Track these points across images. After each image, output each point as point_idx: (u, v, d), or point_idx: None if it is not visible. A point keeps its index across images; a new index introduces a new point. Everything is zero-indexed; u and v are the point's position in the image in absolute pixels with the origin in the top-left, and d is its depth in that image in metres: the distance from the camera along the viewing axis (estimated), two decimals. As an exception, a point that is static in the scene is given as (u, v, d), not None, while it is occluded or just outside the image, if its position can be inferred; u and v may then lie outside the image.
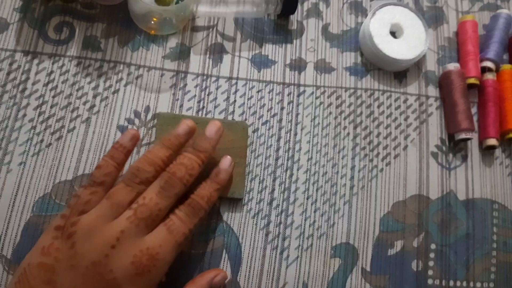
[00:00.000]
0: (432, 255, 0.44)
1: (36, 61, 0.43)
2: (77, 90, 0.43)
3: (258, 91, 0.46)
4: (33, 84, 0.43)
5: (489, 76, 0.50)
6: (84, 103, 0.43)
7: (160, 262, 0.34)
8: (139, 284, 0.33)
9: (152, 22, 0.46)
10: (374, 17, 0.49)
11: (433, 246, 0.45)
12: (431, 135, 0.48)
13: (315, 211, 0.44)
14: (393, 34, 0.49)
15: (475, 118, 0.49)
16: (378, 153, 0.46)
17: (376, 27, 0.48)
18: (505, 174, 0.48)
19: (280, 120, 0.46)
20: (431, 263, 0.44)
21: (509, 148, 0.49)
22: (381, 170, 0.46)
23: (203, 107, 0.45)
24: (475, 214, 0.46)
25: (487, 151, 0.49)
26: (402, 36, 0.48)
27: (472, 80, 0.49)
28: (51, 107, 0.42)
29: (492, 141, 0.47)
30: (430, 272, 0.44)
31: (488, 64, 0.50)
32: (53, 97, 0.43)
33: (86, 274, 0.32)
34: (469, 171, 0.48)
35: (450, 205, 0.46)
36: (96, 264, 0.32)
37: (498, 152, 0.49)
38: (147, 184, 0.36)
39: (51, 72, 0.43)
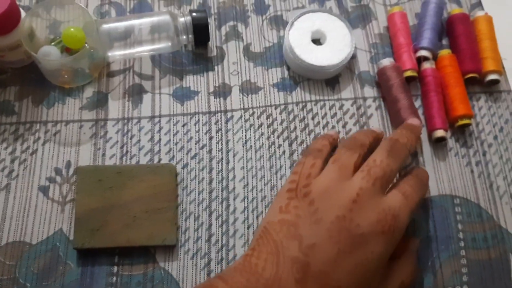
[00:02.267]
0: (392, 266, 0.41)
1: (-49, 136, 0.43)
2: (-6, 158, 0.42)
3: (183, 125, 0.45)
4: (-50, 159, 0.42)
5: (427, 65, 0.47)
6: (2, 170, 0.42)
7: (400, 224, 0.34)
8: (384, 243, 0.33)
9: (65, 76, 0.45)
10: (293, 28, 0.47)
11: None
12: (374, 138, 0.45)
13: (257, 240, 0.41)
14: (318, 41, 0.47)
15: (420, 112, 0.46)
16: (318, 167, 0.44)
17: (296, 37, 0.46)
18: (463, 165, 0.45)
19: (210, 151, 0.44)
20: (393, 275, 0.40)
21: (463, 136, 0.46)
22: (324, 184, 0.43)
23: (127, 151, 0.43)
24: (435, 214, 0.43)
25: (438, 144, 0.45)
26: (326, 42, 0.46)
27: (409, 73, 0.46)
28: (-31, 179, 0.41)
29: (440, 133, 0.44)
30: (393, 285, 0.40)
31: (423, 53, 0.47)
32: (-30, 169, 0.42)
33: (331, 228, 0.32)
34: (422, 167, 0.44)
35: (405, 209, 0.43)
36: (341, 218, 0.33)
37: (451, 142, 0.46)
38: (366, 147, 0.38)
39: (-34, 144, 0.42)
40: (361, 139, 0.38)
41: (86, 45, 0.43)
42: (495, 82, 0.48)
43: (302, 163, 0.37)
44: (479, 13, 0.50)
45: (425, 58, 0.47)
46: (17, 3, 0.47)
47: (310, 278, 0.31)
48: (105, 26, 0.44)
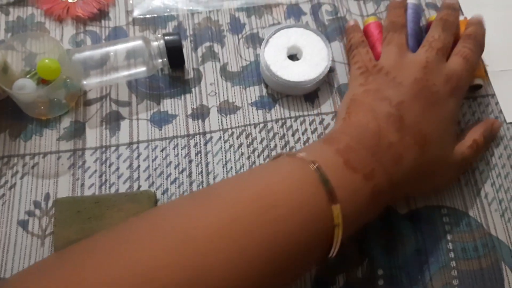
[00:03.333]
0: (381, 282, 0.40)
1: None
2: (-28, 195, 0.42)
3: (162, 150, 0.44)
4: None
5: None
6: (-19, 206, 0.41)
7: (464, 83, 0.41)
8: (454, 98, 0.40)
9: (42, 108, 0.45)
10: (268, 45, 0.46)
11: (380, 272, 0.40)
12: (357, 151, 0.44)
13: (241, 263, 0.40)
14: (295, 57, 0.47)
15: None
16: (300, 184, 0.43)
17: (272, 54, 0.46)
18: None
19: (190, 174, 0.43)
20: (382, 292, 0.39)
21: (447, 144, 0.45)
22: (307, 201, 0.42)
23: (106, 180, 0.43)
24: (422, 226, 0.42)
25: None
26: (302, 57, 0.46)
27: None
28: None
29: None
30: (382, 302, 0.39)
31: None
32: (-51, 207, 0.41)
33: (413, 87, 0.38)
34: (407, 179, 0.43)
35: (391, 223, 0.42)
36: (418, 80, 0.39)
37: (436, 151, 0.45)
38: (405, 27, 0.44)
39: None
40: (399, 20, 0.44)
41: (63, 75, 0.43)
42: (479, 87, 0.47)
43: (357, 54, 0.44)
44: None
45: None
46: (-8, 37, 0.48)
47: (406, 128, 0.37)
48: (79, 55, 0.44)
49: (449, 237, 0.41)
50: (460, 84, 0.40)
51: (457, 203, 0.43)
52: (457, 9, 0.44)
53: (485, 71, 0.48)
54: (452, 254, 0.41)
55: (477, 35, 0.43)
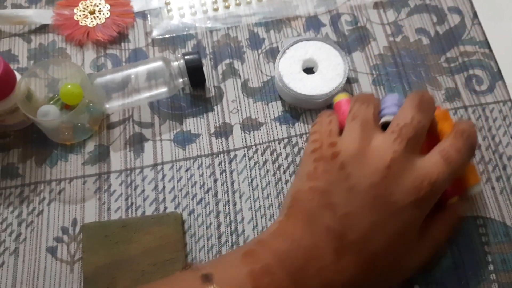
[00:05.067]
0: (418, 298, 0.38)
1: (-41, 204, 0.43)
2: (1, 223, 0.42)
3: (186, 170, 0.44)
4: (-41, 228, 0.42)
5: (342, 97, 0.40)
6: (10, 234, 0.41)
7: (437, 190, 0.32)
8: (418, 210, 0.32)
9: (66, 133, 0.45)
10: (284, 56, 0.46)
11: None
12: (385, 163, 0.43)
13: (272, 284, 0.39)
14: (311, 70, 0.46)
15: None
16: (329, 200, 0.42)
17: (286, 65, 0.45)
18: (482, 182, 0.42)
19: (216, 194, 0.43)
20: (419, 309, 0.38)
21: (479, 151, 0.43)
22: (336, 217, 0.41)
23: (132, 203, 0.42)
24: (458, 238, 0.40)
25: (453, 162, 0.43)
26: (318, 71, 0.45)
27: None
28: (-22, 247, 0.41)
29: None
30: (421, 320, 0.38)
31: (387, 118, 0.36)
32: (-21, 236, 0.42)
33: (365, 197, 0.31)
34: (439, 190, 0.42)
35: (425, 235, 0.40)
36: (374, 186, 0.31)
37: (467, 159, 0.43)
38: (376, 99, 0.36)
39: (-26, 212, 0.43)
40: (368, 94, 0.37)
41: (86, 100, 0.44)
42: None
43: (318, 122, 0.37)
44: None
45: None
46: (16, 65, 0.48)
47: (347, 247, 0.31)
48: (100, 79, 0.44)
49: (487, 248, 0.40)
50: (431, 191, 0.32)
51: (493, 212, 0.41)
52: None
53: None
54: (491, 267, 0.39)
55: (471, 135, 0.34)
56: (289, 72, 0.45)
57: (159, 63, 0.45)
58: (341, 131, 0.36)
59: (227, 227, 0.41)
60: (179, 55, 0.46)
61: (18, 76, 0.43)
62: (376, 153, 0.32)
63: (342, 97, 0.40)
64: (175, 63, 0.45)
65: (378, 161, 0.32)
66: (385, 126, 0.35)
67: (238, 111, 0.46)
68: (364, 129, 0.34)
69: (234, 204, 0.42)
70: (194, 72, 0.45)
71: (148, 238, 0.40)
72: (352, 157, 0.32)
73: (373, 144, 0.33)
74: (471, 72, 0.48)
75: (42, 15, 0.51)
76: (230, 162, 0.44)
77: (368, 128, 0.34)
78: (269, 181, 0.43)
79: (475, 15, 0.50)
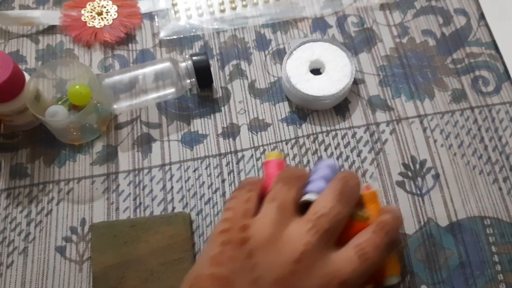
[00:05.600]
0: (426, 299, 0.38)
1: (-32, 204, 0.43)
2: (10, 223, 0.42)
3: (194, 170, 0.44)
4: (-32, 228, 0.42)
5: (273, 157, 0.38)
6: (19, 234, 0.42)
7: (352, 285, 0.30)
8: None
9: (74, 133, 0.45)
10: (291, 57, 0.46)
11: (424, 288, 0.39)
12: (392, 164, 0.43)
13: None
14: (318, 71, 0.47)
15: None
16: (336, 200, 0.42)
17: (294, 66, 0.46)
18: (489, 183, 0.42)
19: (224, 194, 0.43)
20: (427, 309, 0.38)
21: (486, 152, 0.44)
22: (344, 217, 0.41)
23: (140, 203, 0.43)
24: (465, 238, 0.40)
25: (461, 165, 0.43)
26: (325, 72, 0.45)
27: None
28: (-12, 246, 0.41)
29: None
30: (428, 320, 0.38)
31: (308, 196, 0.33)
32: (-12, 236, 0.42)
33: None
34: (446, 191, 0.42)
35: (432, 236, 0.40)
36: (280, 281, 0.29)
37: (474, 160, 0.43)
38: (303, 180, 0.34)
39: (-17, 211, 0.43)
40: (297, 171, 0.34)
41: (94, 100, 0.44)
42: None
43: (235, 198, 0.33)
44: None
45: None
46: (24, 66, 0.49)
47: None
48: (109, 79, 0.45)
49: (494, 249, 0.40)
50: None
51: (501, 213, 0.41)
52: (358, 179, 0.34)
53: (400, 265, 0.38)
54: (498, 267, 0.39)
55: (392, 230, 0.32)
56: (296, 73, 0.45)
57: (167, 64, 0.45)
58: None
59: (235, 227, 0.41)
60: (186, 56, 0.46)
61: (26, 76, 0.43)
62: (288, 243, 0.30)
63: (273, 157, 0.38)
64: (183, 64, 0.45)
65: (289, 252, 0.30)
66: (308, 204, 0.33)
67: (245, 111, 0.46)
68: (280, 214, 0.31)
69: (242, 204, 0.42)
70: (202, 73, 0.45)
71: (156, 238, 0.40)
72: (262, 245, 0.30)
73: (286, 232, 0.30)
74: (477, 73, 0.48)
75: (49, 16, 0.51)
76: (237, 163, 0.44)
77: (285, 214, 0.31)
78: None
79: (481, 17, 0.51)
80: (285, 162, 0.39)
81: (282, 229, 0.31)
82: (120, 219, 0.42)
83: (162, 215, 0.41)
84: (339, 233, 0.32)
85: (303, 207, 0.33)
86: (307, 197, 0.33)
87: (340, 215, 0.31)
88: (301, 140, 0.45)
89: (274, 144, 0.45)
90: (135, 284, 0.38)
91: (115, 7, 0.51)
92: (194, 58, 0.45)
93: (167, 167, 0.44)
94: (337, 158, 0.44)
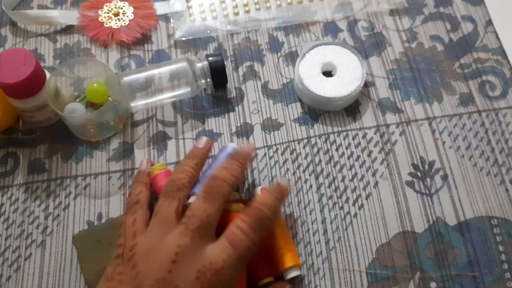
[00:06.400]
0: (435, 295, 0.39)
1: (-13, 198, 0.44)
2: (28, 216, 0.43)
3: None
4: (-13, 221, 0.43)
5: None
6: (37, 227, 0.43)
7: (225, 276, 0.33)
8: None
9: (92, 130, 0.46)
10: (304, 59, 0.47)
11: (433, 285, 0.40)
12: (401, 164, 0.45)
13: (292, 279, 0.40)
14: (329, 73, 0.48)
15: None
16: (347, 198, 0.43)
17: (306, 68, 0.47)
18: (496, 184, 0.44)
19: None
20: (436, 305, 0.39)
21: (493, 154, 0.45)
22: (355, 215, 0.42)
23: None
24: (473, 237, 0.41)
25: (468, 166, 0.44)
26: (336, 74, 0.47)
27: None
28: (6, 239, 0.42)
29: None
30: (437, 316, 0.39)
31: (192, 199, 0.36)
32: (6, 229, 0.43)
33: None
34: (454, 191, 0.43)
35: (441, 234, 0.41)
36: (160, 281, 0.32)
37: (482, 162, 0.45)
38: (184, 189, 0.36)
39: (1, 204, 0.44)
40: (178, 181, 0.37)
41: (110, 98, 0.45)
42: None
43: (124, 223, 0.36)
44: (257, 191, 0.42)
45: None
46: (42, 64, 0.50)
47: None
48: (126, 78, 0.46)
49: (501, 248, 0.41)
50: (217, 279, 0.32)
51: (507, 213, 0.42)
52: (240, 157, 0.38)
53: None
54: (505, 266, 0.40)
55: (262, 210, 0.35)
56: (309, 74, 0.46)
57: (183, 64, 0.46)
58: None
59: (248, 224, 0.42)
60: (203, 57, 0.47)
61: (47, 74, 0.45)
62: (165, 248, 0.33)
63: (158, 170, 0.41)
64: (199, 64, 0.46)
65: (166, 255, 0.32)
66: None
67: (258, 111, 0.48)
68: (162, 226, 0.34)
69: (255, 202, 0.43)
70: (218, 74, 0.46)
71: None
72: (143, 256, 0.33)
73: (165, 239, 0.33)
74: (484, 78, 0.49)
75: (67, 16, 0.52)
76: (251, 161, 0.45)
77: (167, 225, 0.34)
78: (288, 180, 0.44)
79: (488, 23, 0.52)
80: (170, 171, 0.42)
81: (162, 238, 0.33)
82: (100, 223, 0.43)
83: None
84: (216, 227, 0.35)
85: None
86: (190, 200, 0.36)
87: (206, 212, 0.34)
88: (313, 140, 0.46)
89: (287, 143, 0.46)
90: None
91: (132, 9, 0.53)
92: (210, 58, 0.46)
93: (182, 164, 0.45)
94: (348, 158, 0.45)
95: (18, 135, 0.47)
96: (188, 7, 0.53)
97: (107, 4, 0.53)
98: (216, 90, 0.49)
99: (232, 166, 0.38)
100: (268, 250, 0.39)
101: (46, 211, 0.43)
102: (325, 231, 0.42)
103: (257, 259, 0.38)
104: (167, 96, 0.47)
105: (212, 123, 0.47)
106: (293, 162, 0.45)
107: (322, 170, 0.44)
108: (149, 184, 0.40)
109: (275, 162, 0.45)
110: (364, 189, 0.43)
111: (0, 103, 0.44)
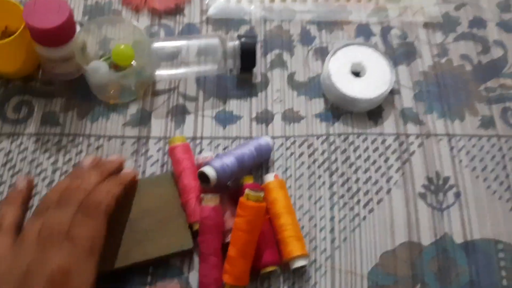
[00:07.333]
0: (432, 309, 0.39)
1: (-5, 142, 0.43)
2: (36, 167, 0.42)
3: (224, 149, 0.44)
4: (-8, 165, 0.42)
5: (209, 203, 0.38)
6: (43, 179, 0.42)
7: (77, 275, 0.31)
8: None
9: (112, 92, 0.45)
10: (335, 56, 0.47)
11: (432, 299, 0.39)
12: (416, 175, 0.44)
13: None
14: (357, 74, 0.47)
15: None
16: (358, 200, 0.43)
17: (336, 65, 0.47)
18: (507, 210, 0.44)
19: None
20: (432, 319, 0.39)
21: (507, 180, 0.45)
22: (364, 218, 0.42)
23: (167, 171, 0.43)
24: (478, 258, 0.41)
25: (482, 188, 0.44)
26: (365, 76, 0.46)
27: (197, 226, 0.39)
28: (10, 186, 0.41)
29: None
30: (432, 330, 0.39)
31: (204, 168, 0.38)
32: (12, 176, 0.42)
33: None
34: (465, 210, 0.43)
35: (446, 250, 0.41)
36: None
37: (495, 185, 0.45)
38: (23, 196, 0.36)
39: (9, 151, 0.43)
40: (18, 187, 0.37)
41: (134, 63, 0.44)
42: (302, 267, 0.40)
43: None
44: (269, 178, 0.42)
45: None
46: (71, 18, 0.49)
47: None
48: (155, 45, 0.45)
49: (504, 273, 0.41)
50: (69, 281, 0.31)
51: (514, 240, 0.42)
52: (103, 166, 0.38)
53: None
54: (506, 291, 0.40)
55: (87, 199, 0.35)
56: (337, 72, 0.46)
57: (215, 41, 0.45)
58: None
59: (256, 210, 0.42)
60: (234, 37, 0.46)
61: (77, 27, 0.44)
62: (17, 261, 0.32)
63: (178, 142, 0.41)
64: (231, 43, 0.45)
65: (17, 269, 0.31)
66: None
67: (281, 101, 0.47)
68: (4, 239, 0.33)
69: (266, 189, 0.43)
70: (248, 56, 0.45)
71: (146, 199, 0.40)
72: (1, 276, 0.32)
73: (17, 252, 0.32)
74: (507, 104, 0.49)
75: (102, -26, 0.51)
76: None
77: (9, 236, 0.33)
78: (302, 173, 0.44)
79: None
80: (189, 145, 0.43)
81: (11, 253, 0.32)
82: None
83: (149, 177, 0.42)
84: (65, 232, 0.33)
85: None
86: (202, 169, 0.39)
87: (57, 219, 0.33)
88: (331, 138, 0.46)
89: (305, 137, 0.45)
90: (131, 244, 0.38)
91: (168, -22, 0.52)
92: (243, 39, 0.45)
93: (197, 141, 0.44)
94: (365, 161, 0.45)
95: (36, 85, 0.46)
96: (225, -14, 0.52)
97: (144, -31, 0.52)
98: (242, 73, 0.48)
99: (89, 174, 0.36)
100: (275, 237, 0.39)
101: (54, 165, 0.42)
102: (332, 229, 0.41)
103: (263, 247, 0.38)
104: (192, 70, 0.46)
105: (233, 105, 0.46)
106: (309, 156, 0.44)
107: (337, 169, 0.44)
108: (22, 203, 0.37)
109: (291, 154, 0.44)
110: (376, 193, 0.43)
111: (24, 48, 0.43)
